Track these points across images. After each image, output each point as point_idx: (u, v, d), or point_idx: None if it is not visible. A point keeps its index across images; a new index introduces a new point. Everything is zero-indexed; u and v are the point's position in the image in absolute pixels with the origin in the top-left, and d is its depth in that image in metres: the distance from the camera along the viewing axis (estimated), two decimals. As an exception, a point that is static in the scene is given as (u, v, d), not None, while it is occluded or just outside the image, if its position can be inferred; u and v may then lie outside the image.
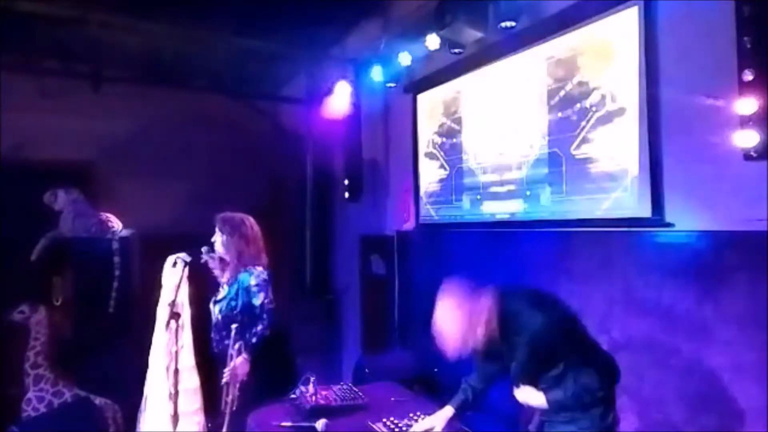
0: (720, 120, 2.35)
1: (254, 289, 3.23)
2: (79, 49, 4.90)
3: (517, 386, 2.14)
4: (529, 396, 2.10)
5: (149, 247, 4.32)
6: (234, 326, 3.12)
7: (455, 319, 2.04)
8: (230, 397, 3.03)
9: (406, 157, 4.66)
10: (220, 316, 3.30)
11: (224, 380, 3.06)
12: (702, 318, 2.48)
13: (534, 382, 2.08)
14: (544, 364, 2.02)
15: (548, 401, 2.03)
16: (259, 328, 3.15)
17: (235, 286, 3.30)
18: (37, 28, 4.44)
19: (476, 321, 2.02)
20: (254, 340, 3.12)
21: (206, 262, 3.42)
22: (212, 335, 3.37)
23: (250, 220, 3.45)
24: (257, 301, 3.21)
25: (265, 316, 3.18)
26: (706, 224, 2.47)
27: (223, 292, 3.41)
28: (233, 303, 3.27)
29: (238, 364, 3.05)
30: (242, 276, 3.29)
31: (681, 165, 2.58)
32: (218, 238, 3.35)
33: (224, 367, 3.33)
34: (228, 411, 3.03)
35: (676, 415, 2.61)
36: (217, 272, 3.48)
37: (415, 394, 3.07)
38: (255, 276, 3.26)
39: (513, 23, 3.32)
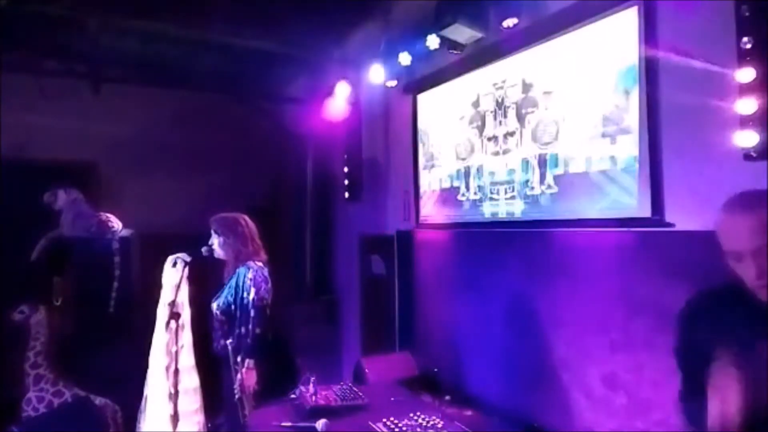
0: (720, 120, 2.34)
1: (248, 283, 3.16)
2: (79, 49, 4.90)
3: None
4: None
5: (149, 247, 4.33)
6: (226, 325, 3.10)
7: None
8: (246, 410, 3.00)
9: (406, 157, 4.66)
10: (218, 313, 3.30)
11: (237, 396, 3.02)
12: (702, 318, 2.47)
13: None
14: None
15: None
16: (251, 327, 3.08)
17: (233, 280, 3.30)
18: (37, 28, 4.44)
19: None
20: (248, 341, 3.08)
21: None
22: (213, 334, 3.38)
23: (245, 219, 3.43)
24: (248, 296, 3.15)
25: (253, 313, 3.10)
26: (706, 224, 2.46)
27: (222, 290, 3.41)
28: (230, 298, 3.26)
29: (245, 376, 3.02)
30: (240, 269, 3.29)
31: (681, 165, 2.58)
32: (215, 240, 3.35)
33: (224, 366, 3.33)
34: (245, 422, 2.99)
35: (676, 415, 2.60)
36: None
37: (415, 394, 3.07)
38: (252, 270, 3.22)
39: (513, 21, 3.31)
